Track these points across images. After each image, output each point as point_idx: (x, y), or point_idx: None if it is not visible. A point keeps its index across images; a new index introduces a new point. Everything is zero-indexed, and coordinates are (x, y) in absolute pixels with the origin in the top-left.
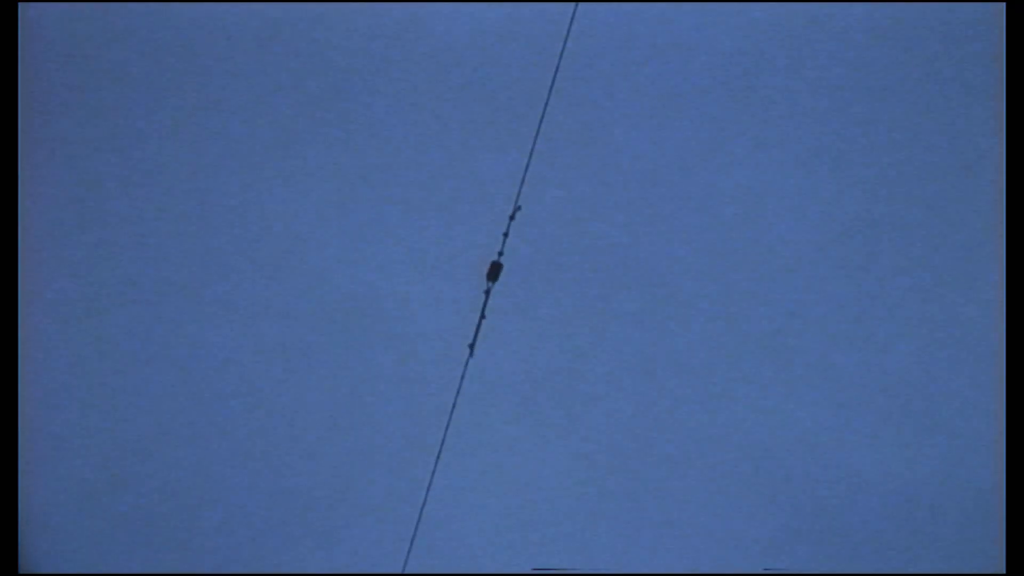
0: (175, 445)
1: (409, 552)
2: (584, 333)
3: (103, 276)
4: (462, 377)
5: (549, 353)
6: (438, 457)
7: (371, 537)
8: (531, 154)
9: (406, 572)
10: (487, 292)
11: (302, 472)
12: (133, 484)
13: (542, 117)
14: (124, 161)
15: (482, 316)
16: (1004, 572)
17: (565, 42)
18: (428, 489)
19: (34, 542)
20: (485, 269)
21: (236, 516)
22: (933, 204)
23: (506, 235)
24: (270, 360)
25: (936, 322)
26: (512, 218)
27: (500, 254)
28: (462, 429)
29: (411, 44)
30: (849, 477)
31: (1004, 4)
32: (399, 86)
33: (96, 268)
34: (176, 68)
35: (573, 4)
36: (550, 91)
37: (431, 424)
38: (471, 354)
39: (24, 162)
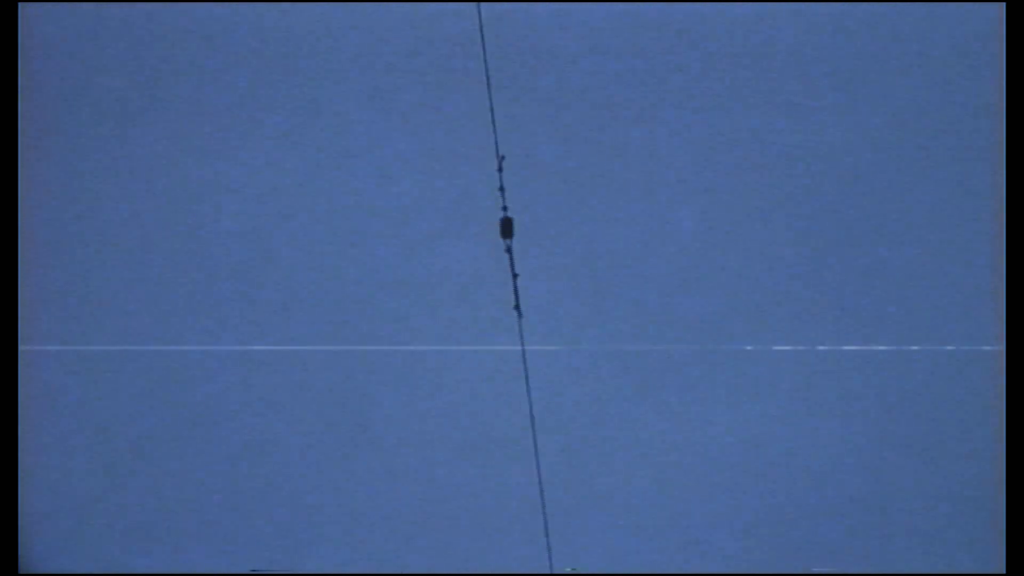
0: (175, 445)
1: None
2: (581, 328)
3: (102, 276)
4: (523, 351)
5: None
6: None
7: (371, 537)
8: (491, 116)
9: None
10: (509, 250)
11: (302, 470)
12: (133, 484)
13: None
14: (124, 161)
15: (514, 274)
16: (1004, 572)
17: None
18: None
19: (34, 542)
20: (496, 229)
21: (236, 516)
22: (932, 205)
23: (502, 189)
24: (273, 357)
25: (936, 322)
26: (500, 169)
27: (505, 208)
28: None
29: (408, 33)
30: (849, 477)
31: (1004, 4)
32: (398, 79)
33: (95, 268)
34: (177, 68)
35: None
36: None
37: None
38: (520, 315)
39: (24, 162)
